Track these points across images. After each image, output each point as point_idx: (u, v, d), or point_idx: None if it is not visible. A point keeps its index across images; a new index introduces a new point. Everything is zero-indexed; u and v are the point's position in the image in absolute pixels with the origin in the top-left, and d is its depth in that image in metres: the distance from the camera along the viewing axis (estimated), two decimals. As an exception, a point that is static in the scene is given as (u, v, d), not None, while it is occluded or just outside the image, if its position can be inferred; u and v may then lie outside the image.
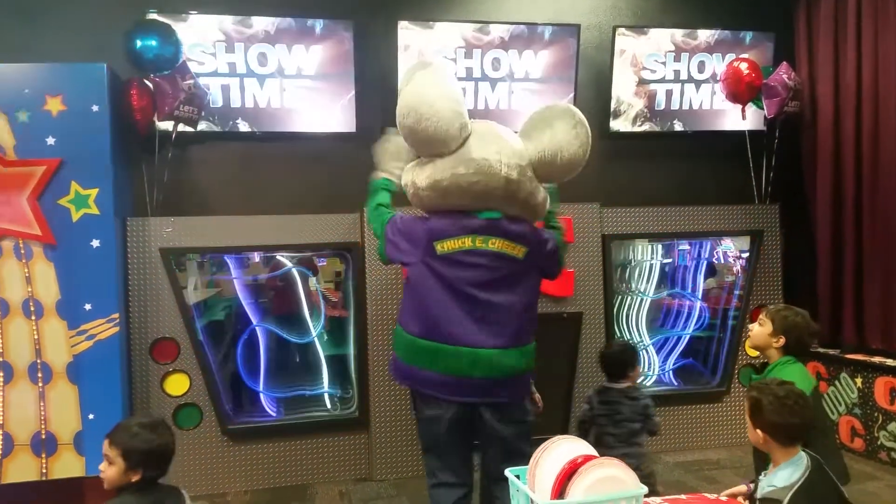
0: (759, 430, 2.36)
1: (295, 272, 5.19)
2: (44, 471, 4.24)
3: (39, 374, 4.24)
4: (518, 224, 3.14)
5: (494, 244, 3.05)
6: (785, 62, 5.40)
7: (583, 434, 3.62)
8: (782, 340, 3.01)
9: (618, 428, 3.59)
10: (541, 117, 3.19)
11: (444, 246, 3.05)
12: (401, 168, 3.34)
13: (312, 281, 5.26)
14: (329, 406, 5.17)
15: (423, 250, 3.08)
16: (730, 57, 5.51)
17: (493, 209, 3.09)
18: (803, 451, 2.36)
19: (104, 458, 2.40)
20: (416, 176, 3.15)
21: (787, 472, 2.32)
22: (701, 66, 5.56)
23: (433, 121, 2.94)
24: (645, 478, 2.93)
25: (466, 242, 3.04)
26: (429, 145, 3.05)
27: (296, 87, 4.96)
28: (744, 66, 5.32)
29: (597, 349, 5.06)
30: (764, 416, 2.34)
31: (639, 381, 3.90)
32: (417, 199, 3.22)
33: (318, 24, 4.93)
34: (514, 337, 3.07)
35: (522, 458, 2.66)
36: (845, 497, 2.37)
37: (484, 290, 3.02)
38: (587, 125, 3.18)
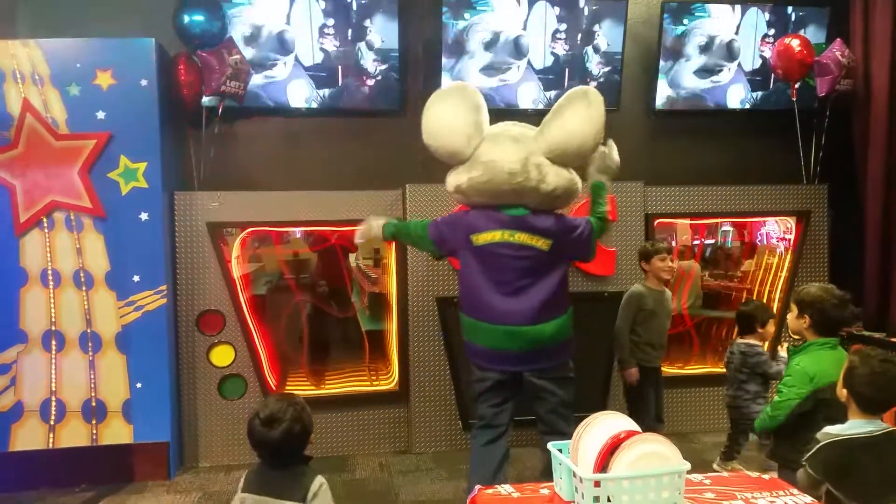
0: (845, 390, 2.48)
1: (337, 248, 5.23)
2: (94, 436, 4.38)
3: (90, 344, 4.37)
4: (544, 219, 3.51)
5: (520, 237, 3.46)
6: (839, 38, 5.25)
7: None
8: (808, 319, 3.02)
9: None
10: (557, 107, 3.51)
11: (479, 238, 3.50)
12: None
13: (353, 257, 5.30)
14: (369, 379, 5.23)
15: (464, 240, 3.55)
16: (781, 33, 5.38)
17: (516, 205, 3.49)
18: (888, 426, 2.43)
19: None
20: (449, 182, 3.68)
21: (846, 426, 2.43)
22: (752, 43, 5.43)
23: (441, 140, 3.54)
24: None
25: (497, 235, 3.48)
26: (448, 158, 3.60)
27: (341, 63, 4.96)
28: (795, 43, 5.18)
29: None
30: (852, 381, 2.45)
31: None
32: (456, 201, 3.83)
33: (364, 1, 4.92)
34: (541, 313, 3.45)
35: (567, 407, 3.57)
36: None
37: (513, 276, 3.45)
38: (601, 108, 3.46)
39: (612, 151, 3.74)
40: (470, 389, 3.83)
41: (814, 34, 5.38)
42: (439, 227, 3.70)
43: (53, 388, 4.33)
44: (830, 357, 2.93)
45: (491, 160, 3.43)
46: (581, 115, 3.43)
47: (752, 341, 4.30)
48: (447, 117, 3.54)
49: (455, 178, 3.60)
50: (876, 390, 2.40)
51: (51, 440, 4.33)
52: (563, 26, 5.13)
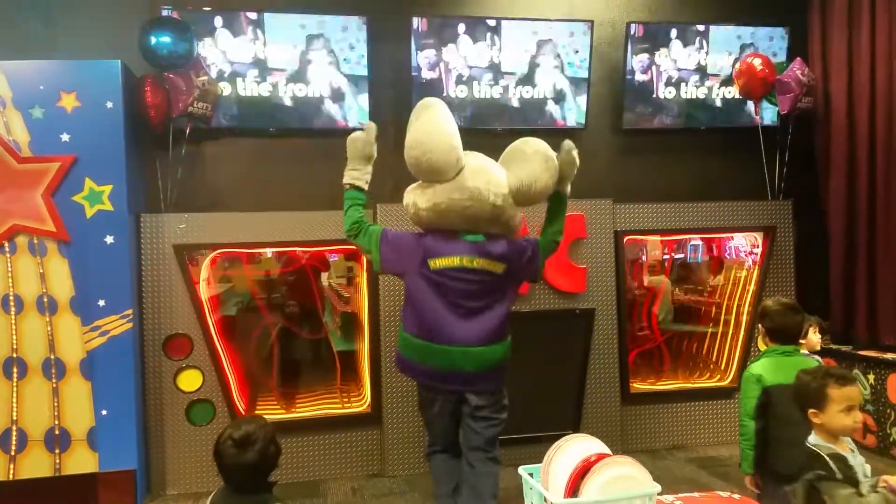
0: None
1: (307, 268, 5.19)
2: (57, 466, 4.27)
3: (53, 371, 4.26)
4: (499, 244, 3.56)
5: (479, 263, 3.49)
6: (798, 58, 5.37)
7: None
8: (765, 329, 3.33)
9: None
10: (521, 153, 3.56)
11: (437, 263, 3.48)
12: (366, 173, 3.64)
13: (324, 277, 5.27)
14: (341, 402, 5.17)
15: (418, 263, 3.50)
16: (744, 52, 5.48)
17: (477, 232, 3.53)
18: None
19: None
20: (418, 198, 3.53)
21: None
22: (715, 62, 5.53)
23: (436, 153, 3.36)
24: None
25: (455, 261, 3.48)
26: (431, 174, 3.44)
27: (308, 82, 4.95)
28: (757, 62, 5.28)
29: (609, 346, 5.07)
30: None
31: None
32: (417, 218, 3.61)
33: (332, 20, 4.93)
34: (493, 335, 3.51)
35: (493, 436, 3.57)
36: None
37: (469, 299, 3.48)
38: (555, 159, 3.54)
39: (575, 154, 3.68)
40: (422, 413, 3.77)
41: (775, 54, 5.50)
42: (387, 246, 3.56)
43: (14, 417, 4.22)
44: (779, 360, 3.15)
45: (477, 188, 3.40)
46: (542, 166, 3.49)
47: None
48: (443, 128, 3.38)
49: (431, 196, 3.45)
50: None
51: (11, 471, 4.21)
52: (532, 48, 5.18)
